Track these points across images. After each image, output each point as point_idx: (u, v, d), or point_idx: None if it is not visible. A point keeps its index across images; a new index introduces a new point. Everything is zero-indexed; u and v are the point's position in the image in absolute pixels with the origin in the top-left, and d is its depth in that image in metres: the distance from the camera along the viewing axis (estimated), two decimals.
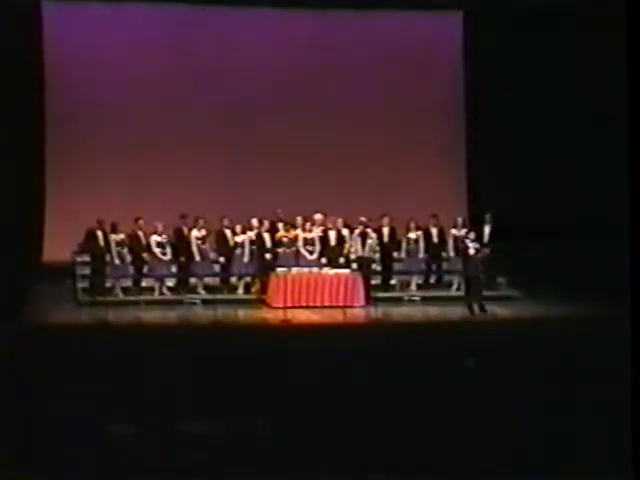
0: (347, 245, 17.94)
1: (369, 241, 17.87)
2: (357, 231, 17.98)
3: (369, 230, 18.00)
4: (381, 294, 17.92)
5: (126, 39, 20.07)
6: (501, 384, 8.48)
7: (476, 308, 16.44)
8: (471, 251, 16.66)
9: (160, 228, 17.83)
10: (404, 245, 18.56)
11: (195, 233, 17.98)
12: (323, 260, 18.00)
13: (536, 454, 7.40)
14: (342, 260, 17.86)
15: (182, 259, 18.01)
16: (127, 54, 19.99)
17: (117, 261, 17.73)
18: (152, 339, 11.45)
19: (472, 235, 16.93)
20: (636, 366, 6.77)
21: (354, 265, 17.76)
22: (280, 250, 17.95)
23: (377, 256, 18.13)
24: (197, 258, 17.98)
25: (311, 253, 18.07)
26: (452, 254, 18.42)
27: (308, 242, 18.14)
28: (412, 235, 18.51)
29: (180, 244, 18.00)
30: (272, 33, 20.48)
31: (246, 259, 17.91)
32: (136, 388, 8.32)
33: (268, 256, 17.94)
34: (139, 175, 19.73)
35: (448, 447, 7.46)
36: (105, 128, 19.74)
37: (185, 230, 18.06)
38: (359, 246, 17.84)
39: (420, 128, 20.73)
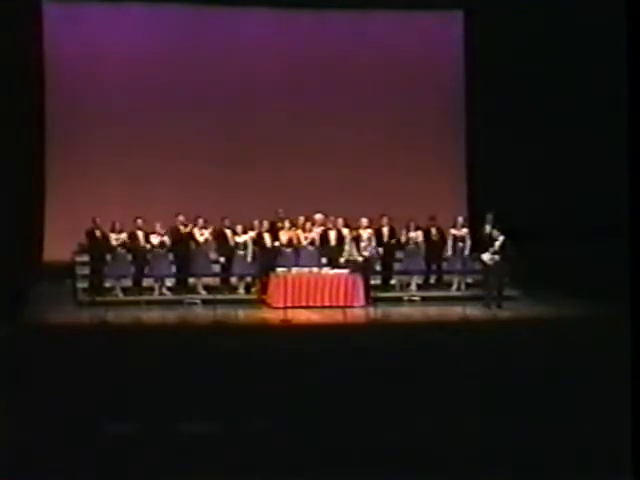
0: (347, 248, 17.90)
1: (362, 244, 17.86)
2: (349, 236, 17.96)
3: (361, 233, 18.00)
4: (381, 294, 17.92)
5: (126, 39, 20.07)
6: (500, 384, 8.48)
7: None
8: (489, 262, 16.98)
9: (159, 228, 17.85)
10: (404, 244, 18.57)
11: (196, 233, 18.00)
12: (323, 260, 18.04)
13: (536, 454, 7.39)
14: (342, 260, 17.86)
15: (182, 259, 18.02)
16: (127, 54, 19.99)
17: (117, 261, 17.74)
18: (152, 339, 11.46)
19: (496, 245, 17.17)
20: (636, 366, 6.77)
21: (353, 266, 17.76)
22: (281, 249, 18.00)
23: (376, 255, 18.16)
24: (197, 258, 17.99)
25: (311, 253, 18.10)
26: (450, 253, 18.48)
27: (308, 242, 18.17)
28: (412, 235, 18.52)
29: (179, 244, 18.01)
30: (272, 33, 20.49)
31: (249, 259, 17.94)
32: (136, 388, 8.33)
33: (269, 256, 17.96)
34: (139, 175, 19.74)
35: (448, 446, 7.46)
36: (105, 128, 19.75)
37: (184, 230, 18.07)
38: (354, 251, 17.82)
39: (420, 128, 20.73)
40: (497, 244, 17.17)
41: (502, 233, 17.21)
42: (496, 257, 17.12)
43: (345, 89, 20.61)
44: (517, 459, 7.31)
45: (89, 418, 7.82)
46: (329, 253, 18.17)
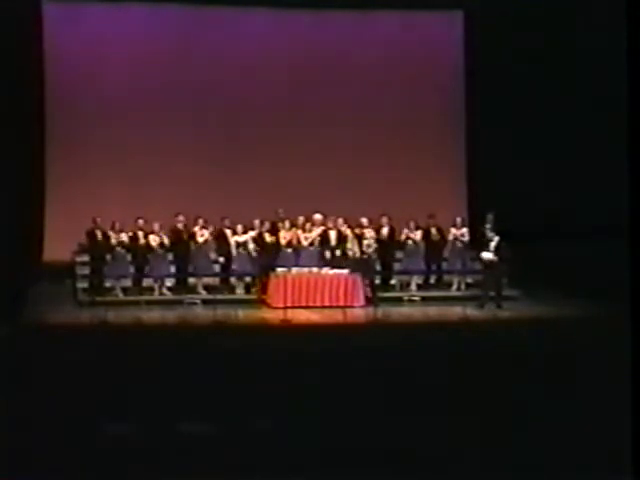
0: (349, 244, 17.94)
1: (365, 242, 17.88)
2: (352, 233, 18.03)
3: (365, 231, 18.05)
4: (381, 294, 17.91)
5: (126, 39, 20.07)
6: (501, 384, 8.48)
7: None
8: (487, 261, 17.01)
9: (157, 228, 17.86)
10: (404, 244, 18.58)
11: (196, 233, 18.00)
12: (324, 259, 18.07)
13: (535, 454, 7.39)
14: (342, 260, 17.87)
15: (181, 259, 18.03)
16: (127, 54, 19.98)
17: (117, 261, 17.75)
18: (152, 339, 11.45)
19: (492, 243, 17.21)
20: (636, 366, 6.77)
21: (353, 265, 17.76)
22: (281, 249, 18.02)
23: (374, 256, 18.15)
24: (197, 258, 18.00)
25: (311, 253, 18.11)
26: (449, 253, 18.53)
27: (308, 242, 18.19)
28: (412, 235, 18.52)
29: (179, 244, 18.01)
30: (272, 33, 20.49)
31: (249, 259, 17.95)
32: (136, 388, 8.32)
33: (269, 256, 17.97)
34: (139, 175, 19.73)
35: (448, 447, 7.46)
36: (105, 128, 19.74)
37: (184, 230, 18.07)
38: (356, 248, 17.86)
39: (420, 128, 20.74)
40: (492, 245, 17.19)
41: (498, 234, 17.22)
42: (494, 256, 17.12)
43: (345, 89, 20.61)
44: (517, 459, 7.31)
45: (89, 418, 7.82)
46: (329, 253, 18.19)
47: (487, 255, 17.20)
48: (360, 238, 17.97)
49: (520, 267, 17.38)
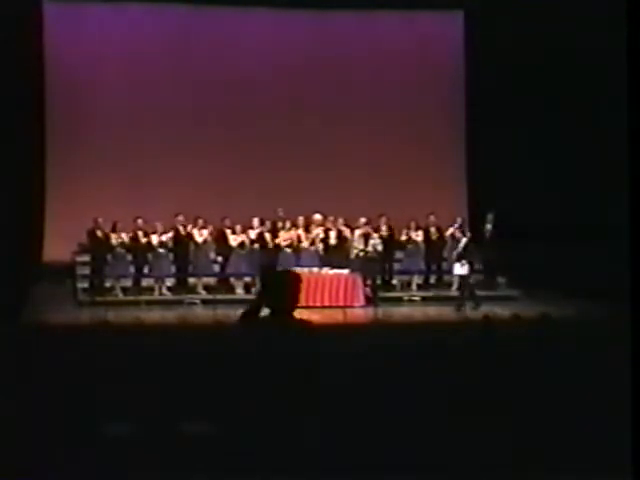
0: (355, 244, 17.94)
1: (371, 241, 17.89)
2: (359, 231, 18.05)
3: (371, 231, 18.07)
4: (381, 294, 17.92)
5: (126, 39, 20.10)
6: (501, 384, 8.48)
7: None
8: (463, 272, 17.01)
9: (159, 228, 17.87)
10: (404, 244, 18.60)
11: (195, 233, 18.01)
12: (324, 259, 18.07)
13: (535, 454, 7.39)
14: (342, 260, 17.88)
15: (181, 259, 18.04)
16: (127, 54, 20.01)
17: (117, 261, 17.76)
18: (152, 339, 11.44)
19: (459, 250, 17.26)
20: (636, 366, 6.77)
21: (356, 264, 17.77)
22: (281, 249, 18.03)
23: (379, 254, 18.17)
24: (197, 258, 18.00)
25: (311, 254, 18.11)
26: (449, 253, 18.55)
27: (309, 242, 18.20)
28: (412, 235, 18.53)
29: (179, 244, 18.02)
30: (272, 33, 20.51)
31: (247, 259, 17.95)
32: (136, 388, 8.32)
33: (269, 256, 17.98)
34: (139, 175, 19.74)
35: (448, 447, 7.46)
36: (105, 128, 19.77)
37: (183, 230, 18.08)
38: (361, 246, 17.88)
39: (420, 128, 20.75)
40: (460, 246, 17.20)
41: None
42: (465, 264, 17.10)
43: (345, 89, 20.62)
44: (517, 459, 7.31)
45: (89, 418, 7.81)
46: (329, 253, 18.18)
47: (457, 268, 17.23)
48: (367, 238, 17.97)
49: (520, 267, 17.38)
